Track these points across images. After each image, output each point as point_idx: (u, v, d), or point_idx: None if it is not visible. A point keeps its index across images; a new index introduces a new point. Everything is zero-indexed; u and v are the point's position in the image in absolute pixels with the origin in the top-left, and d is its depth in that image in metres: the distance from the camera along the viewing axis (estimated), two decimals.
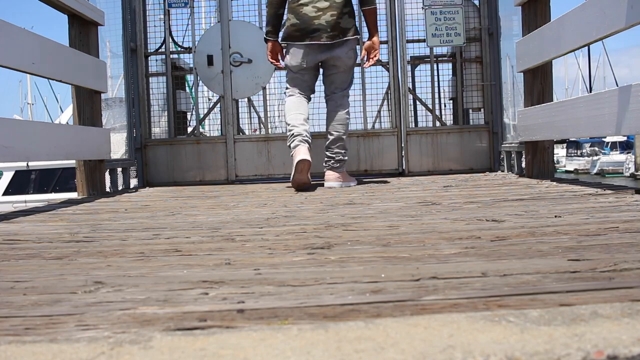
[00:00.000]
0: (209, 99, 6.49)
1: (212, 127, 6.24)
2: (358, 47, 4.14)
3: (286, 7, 3.97)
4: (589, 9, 3.00)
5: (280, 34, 4.09)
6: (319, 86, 4.22)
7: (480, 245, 1.54)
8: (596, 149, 35.54)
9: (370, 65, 4.14)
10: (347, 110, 4.07)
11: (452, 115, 5.47)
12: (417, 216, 2.23)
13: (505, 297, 1.01)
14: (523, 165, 4.26)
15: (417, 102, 5.27)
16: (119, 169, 4.61)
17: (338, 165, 4.02)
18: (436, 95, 5.24)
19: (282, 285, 1.17)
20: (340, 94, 4.06)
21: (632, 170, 29.89)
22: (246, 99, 5.66)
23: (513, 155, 4.61)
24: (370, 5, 3.99)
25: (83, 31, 3.98)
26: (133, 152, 4.95)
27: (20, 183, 11.31)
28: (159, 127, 5.35)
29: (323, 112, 4.70)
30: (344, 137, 4.04)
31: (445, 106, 5.56)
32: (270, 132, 5.32)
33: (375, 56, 4.04)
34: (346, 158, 4.08)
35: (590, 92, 22.32)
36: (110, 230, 2.15)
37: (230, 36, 5.02)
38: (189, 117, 5.65)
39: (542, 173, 3.91)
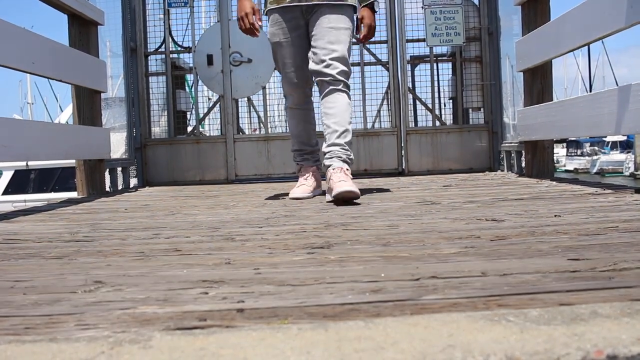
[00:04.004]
0: (209, 99, 6.49)
1: (212, 127, 6.24)
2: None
3: None
4: (588, 8, 3.00)
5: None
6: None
7: (480, 244, 1.54)
8: (596, 148, 35.48)
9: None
10: None
11: (451, 115, 5.47)
12: (417, 216, 2.23)
13: (505, 296, 1.01)
14: (523, 164, 4.26)
15: (417, 102, 5.28)
16: (119, 169, 4.61)
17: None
18: (436, 95, 5.25)
19: (282, 284, 1.17)
20: None
21: (632, 169, 29.86)
22: (246, 99, 5.67)
23: (513, 155, 4.61)
24: None
25: (83, 31, 3.97)
26: (133, 151, 4.95)
27: (20, 182, 11.30)
28: (159, 126, 5.36)
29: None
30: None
31: (445, 106, 5.57)
32: (270, 131, 5.31)
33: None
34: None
35: (590, 91, 22.33)
36: (110, 230, 2.15)
37: (230, 36, 5.02)
38: (188, 116, 5.65)
39: (541, 172, 3.91)
